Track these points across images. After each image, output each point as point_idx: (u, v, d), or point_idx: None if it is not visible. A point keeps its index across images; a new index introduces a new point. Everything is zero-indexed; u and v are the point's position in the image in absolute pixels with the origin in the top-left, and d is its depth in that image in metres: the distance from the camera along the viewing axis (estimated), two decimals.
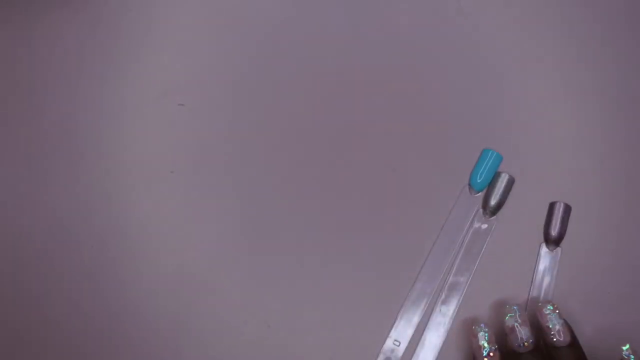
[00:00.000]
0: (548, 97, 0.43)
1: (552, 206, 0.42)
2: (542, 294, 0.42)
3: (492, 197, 0.42)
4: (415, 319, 0.42)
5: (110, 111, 0.44)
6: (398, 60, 0.44)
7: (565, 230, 0.42)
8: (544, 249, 0.42)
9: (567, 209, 0.42)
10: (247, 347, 0.42)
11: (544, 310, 0.38)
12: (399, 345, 0.42)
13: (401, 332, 0.42)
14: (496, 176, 0.43)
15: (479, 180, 0.42)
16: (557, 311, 0.38)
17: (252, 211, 0.43)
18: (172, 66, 0.44)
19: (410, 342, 0.42)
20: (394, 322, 0.42)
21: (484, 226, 0.42)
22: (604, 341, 0.41)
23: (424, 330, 0.42)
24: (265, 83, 0.44)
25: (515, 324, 0.38)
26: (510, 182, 0.42)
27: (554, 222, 0.42)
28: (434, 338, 0.42)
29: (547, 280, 0.42)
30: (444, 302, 0.42)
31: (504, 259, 0.42)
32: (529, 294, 0.42)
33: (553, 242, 0.42)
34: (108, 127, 0.44)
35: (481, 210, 0.43)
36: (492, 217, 0.42)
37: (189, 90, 0.44)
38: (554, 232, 0.42)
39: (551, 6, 0.44)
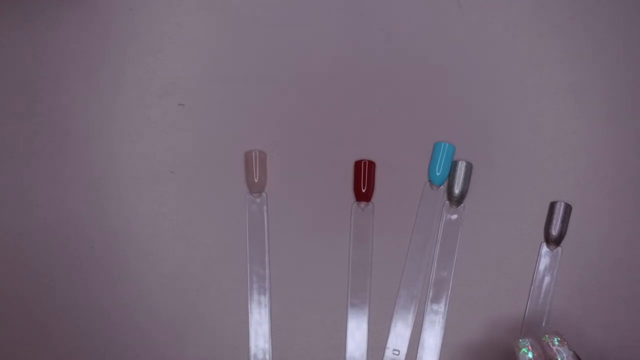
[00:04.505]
0: (548, 96, 0.43)
1: (552, 206, 0.42)
2: (542, 294, 0.42)
3: (455, 186, 0.42)
4: (409, 323, 0.42)
5: (110, 111, 0.44)
6: (397, 60, 0.44)
7: (565, 230, 0.42)
8: (545, 249, 0.42)
9: (568, 209, 0.42)
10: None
11: (551, 344, 0.37)
12: (398, 354, 0.42)
13: (397, 341, 0.42)
14: (453, 166, 0.43)
15: (438, 174, 0.42)
16: (566, 343, 0.37)
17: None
18: (172, 66, 0.44)
19: (409, 347, 0.42)
20: (389, 331, 0.42)
21: (454, 216, 0.43)
22: (603, 341, 0.42)
23: (420, 333, 0.42)
24: (264, 83, 0.44)
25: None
26: (469, 168, 0.42)
27: (554, 221, 0.42)
28: (432, 339, 0.42)
29: (547, 280, 0.42)
30: (433, 301, 0.42)
31: (504, 259, 0.42)
32: (529, 294, 0.42)
33: (553, 241, 0.42)
34: (108, 127, 0.44)
35: (447, 202, 0.43)
36: (460, 206, 0.42)
37: (189, 90, 0.44)
38: (554, 231, 0.42)
39: (551, 4, 0.44)
